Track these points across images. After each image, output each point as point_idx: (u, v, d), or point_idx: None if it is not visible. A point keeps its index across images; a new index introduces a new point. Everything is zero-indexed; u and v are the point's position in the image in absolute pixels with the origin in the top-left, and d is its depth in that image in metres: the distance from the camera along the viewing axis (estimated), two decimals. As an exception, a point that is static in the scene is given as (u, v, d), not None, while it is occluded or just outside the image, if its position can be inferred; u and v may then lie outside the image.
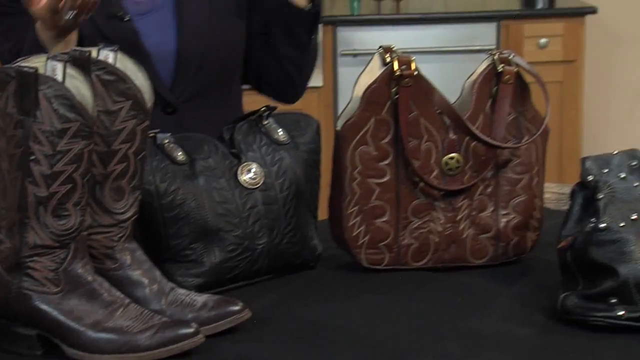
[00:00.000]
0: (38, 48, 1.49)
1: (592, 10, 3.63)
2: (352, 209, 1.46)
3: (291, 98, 1.81)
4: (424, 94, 1.46)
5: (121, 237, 1.30)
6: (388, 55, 1.45)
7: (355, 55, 3.57)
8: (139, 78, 1.29)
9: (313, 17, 1.72)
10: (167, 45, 1.70)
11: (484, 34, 3.60)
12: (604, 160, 1.34)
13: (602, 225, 1.28)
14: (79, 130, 1.21)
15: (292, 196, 1.46)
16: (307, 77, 1.80)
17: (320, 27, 3.67)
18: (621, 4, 3.95)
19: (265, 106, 1.50)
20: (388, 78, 1.44)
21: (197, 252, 1.40)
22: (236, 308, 1.28)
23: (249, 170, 1.44)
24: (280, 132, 1.48)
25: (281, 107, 1.58)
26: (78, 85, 1.22)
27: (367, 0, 3.97)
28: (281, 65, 1.76)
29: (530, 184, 1.51)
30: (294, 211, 1.46)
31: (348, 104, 1.46)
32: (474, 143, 1.48)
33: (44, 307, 1.22)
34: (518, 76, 1.49)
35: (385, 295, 1.40)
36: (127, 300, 1.24)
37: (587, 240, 1.29)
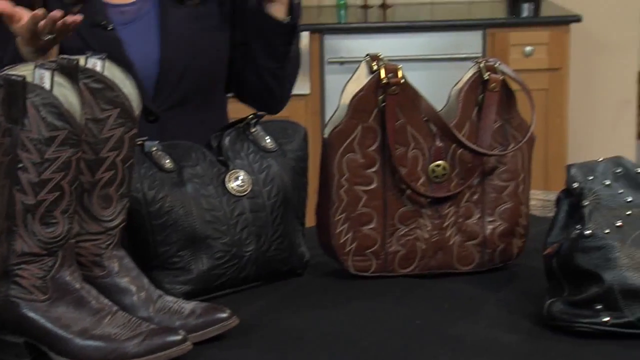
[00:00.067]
0: (19, 60, 1.50)
1: (577, 19, 3.65)
2: (340, 216, 1.46)
3: (273, 108, 1.80)
4: (411, 101, 1.47)
5: (109, 244, 1.30)
6: (375, 63, 1.45)
7: (342, 63, 3.58)
8: (126, 86, 1.30)
9: (290, 29, 1.72)
10: (150, 55, 1.70)
11: (470, 42, 3.61)
12: (589, 167, 1.35)
13: (588, 232, 1.29)
14: (67, 138, 1.21)
15: (280, 203, 1.46)
16: (288, 88, 1.80)
17: (307, 34, 3.72)
18: (605, 12, 3.98)
19: (253, 114, 1.50)
20: (375, 86, 1.45)
21: (185, 259, 1.40)
22: (224, 315, 1.29)
23: (237, 178, 1.45)
24: (268, 139, 1.48)
25: (268, 115, 1.58)
26: (66, 93, 1.22)
27: (354, 8, 3.99)
28: (261, 76, 1.76)
29: (516, 191, 1.52)
30: (282, 218, 1.47)
31: (335, 111, 1.47)
32: (460, 150, 1.49)
33: (31, 314, 1.22)
34: (504, 84, 1.50)
35: (372, 302, 1.41)
36: (115, 308, 1.24)
37: (572, 246, 1.30)
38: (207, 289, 1.42)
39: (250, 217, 1.44)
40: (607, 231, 1.29)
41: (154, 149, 1.41)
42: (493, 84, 1.48)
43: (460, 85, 1.50)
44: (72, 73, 1.24)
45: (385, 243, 1.48)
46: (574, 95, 3.81)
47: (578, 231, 1.30)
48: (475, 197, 1.50)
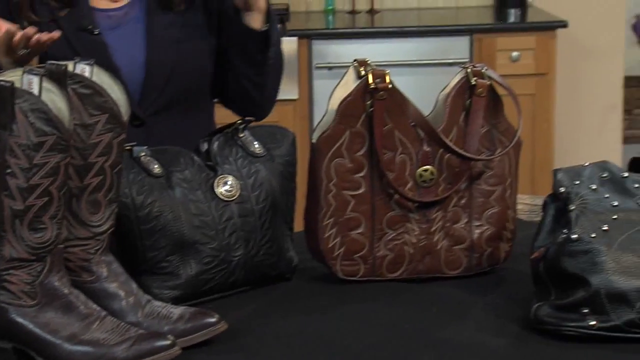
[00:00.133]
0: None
1: (563, 24, 3.67)
2: (328, 221, 1.47)
3: (254, 115, 1.78)
4: (399, 106, 1.47)
5: (98, 249, 1.30)
6: (362, 68, 1.46)
7: (330, 68, 3.58)
8: (115, 91, 1.30)
9: (264, 37, 1.71)
10: (136, 59, 1.71)
11: (457, 48, 3.62)
12: (575, 172, 1.36)
13: (574, 236, 1.29)
14: (55, 143, 1.21)
15: (268, 208, 1.47)
16: (269, 96, 1.79)
17: (295, 40, 3.72)
18: (591, 18, 4.00)
19: (241, 119, 1.50)
20: (363, 91, 1.45)
21: (173, 264, 1.40)
22: (212, 320, 1.29)
23: (225, 183, 1.45)
24: (256, 144, 1.49)
25: (256, 120, 1.59)
26: (54, 99, 1.22)
27: (342, 13, 4.00)
28: (240, 82, 1.76)
29: (504, 195, 1.52)
30: (270, 223, 1.47)
31: (323, 116, 1.48)
32: (447, 155, 1.49)
33: (20, 320, 1.22)
34: (491, 89, 1.51)
35: (360, 306, 1.41)
36: (103, 313, 1.24)
37: (559, 251, 1.30)
38: (195, 293, 1.42)
39: (238, 222, 1.44)
40: (593, 235, 1.29)
41: (143, 154, 1.41)
42: (480, 89, 1.49)
43: (447, 90, 1.51)
44: (60, 78, 1.24)
45: (373, 247, 1.48)
46: (560, 100, 3.83)
47: (565, 235, 1.30)
48: (463, 201, 1.51)
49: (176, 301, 1.37)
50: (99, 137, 1.28)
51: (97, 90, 1.27)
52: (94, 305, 1.25)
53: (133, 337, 1.21)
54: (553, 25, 3.68)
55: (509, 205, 1.53)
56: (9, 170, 1.20)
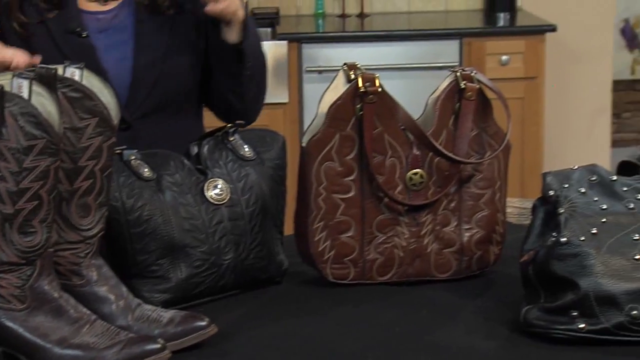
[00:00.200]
0: None
1: (552, 28, 3.68)
2: (318, 224, 1.47)
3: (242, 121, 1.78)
4: (388, 110, 1.47)
5: (88, 253, 1.30)
6: (352, 72, 1.46)
7: (320, 72, 3.59)
8: (105, 95, 1.30)
9: (239, 51, 1.69)
10: (123, 63, 1.71)
11: (447, 51, 3.63)
12: (564, 175, 1.37)
13: (563, 239, 1.30)
14: (45, 147, 1.21)
15: (258, 212, 1.47)
16: (251, 104, 1.76)
17: (286, 43, 3.73)
18: (580, 22, 4.02)
19: (237, 119, 1.51)
20: (352, 95, 1.46)
21: (163, 268, 1.40)
22: (202, 324, 1.29)
23: (215, 186, 1.45)
24: (246, 148, 1.49)
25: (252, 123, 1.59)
26: (44, 103, 1.22)
27: (332, 17, 4.00)
28: (221, 91, 1.76)
29: (493, 198, 1.53)
30: (260, 227, 1.47)
31: (313, 120, 1.48)
32: (437, 159, 1.50)
33: (9, 324, 1.22)
34: (480, 93, 1.51)
35: (351, 309, 1.41)
36: (93, 317, 1.24)
37: (548, 254, 1.31)
38: (185, 297, 1.42)
39: (228, 226, 1.44)
40: (582, 238, 1.30)
41: (133, 157, 1.41)
42: (469, 93, 1.50)
43: (437, 93, 1.51)
44: (50, 82, 1.24)
45: (363, 251, 1.49)
46: (549, 104, 3.84)
47: (554, 238, 1.31)
48: (453, 204, 1.51)
49: (166, 305, 1.37)
50: (89, 140, 1.28)
51: (87, 94, 1.27)
52: (84, 309, 1.25)
53: (123, 340, 1.21)
54: (542, 29, 3.70)
55: (498, 209, 1.53)
56: (-2, 174, 1.20)
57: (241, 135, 1.50)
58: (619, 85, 4.99)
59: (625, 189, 1.34)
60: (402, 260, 1.50)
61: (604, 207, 1.33)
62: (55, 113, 1.22)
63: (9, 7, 1.68)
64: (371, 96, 1.45)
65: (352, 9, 4.01)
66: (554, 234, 1.31)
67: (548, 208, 1.36)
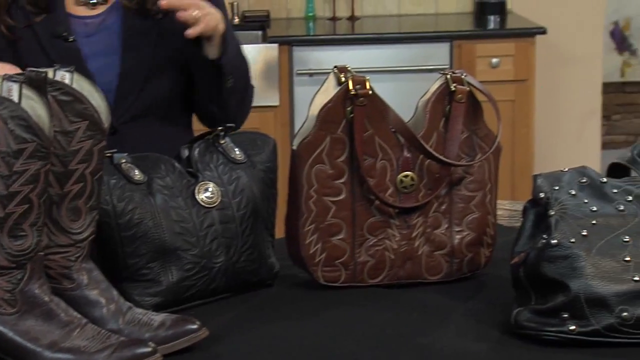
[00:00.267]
0: None
1: (542, 31, 3.70)
2: (309, 227, 1.47)
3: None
4: (379, 112, 1.48)
5: (78, 257, 1.30)
6: (343, 74, 1.47)
7: (311, 74, 3.59)
8: (95, 98, 1.30)
9: (218, 66, 1.68)
10: (110, 67, 1.70)
11: (437, 54, 3.64)
12: (554, 177, 1.37)
13: (554, 241, 1.30)
14: (36, 150, 1.21)
15: (249, 215, 1.47)
16: (234, 114, 1.74)
17: (276, 46, 3.73)
18: (570, 24, 4.03)
19: (222, 125, 1.50)
20: (343, 97, 1.46)
21: (154, 271, 1.40)
22: (193, 327, 1.29)
23: (206, 189, 1.45)
24: (237, 151, 1.49)
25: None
26: (34, 106, 1.22)
27: (323, 20, 4.01)
28: (203, 101, 1.75)
29: (484, 201, 1.53)
30: (251, 230, 1.47)
31: (304, 123, 1.48)
32: (428, 161, 1.50)
33: (0, 328, 1.21)
34: (470, 95, 1.52)
35: (342, 312, 1.41)
36: (84, 320, 1.24)
37: (539, 256, 1.31)
38: (176, 300, 1.42)
39: (219, 229, 1.44)
40: (572, 240, 1.30)
41: (123, 160, 1.41)
42: (460, 95, 1.50)
43: (427, 96, 1.51)
44: (40, 86, 1.23)
45: (354, 253, 1.49)
46: (539, 106, 3.85)
47: (544, 240, 1.31)
48: (443, 207, 1.52)
49: (157, 308, 1.37)
50: (79, 144, 1.28)
51: (77, 97, 1.27)
52: (75, 313, 1.24)
53: (114, 344, 1.21)
54: (532, 32, 3.71)
55: (489, 211, 1.54)
56: (-12, 178, 1.19)
57: (232, 138, 1.50)
58: (608, 88, 5.01)
59: (615, 190, 1.35)
60: (393, 263, 1.50)
61: (594, 209, 1.33)
62: (46, 116, 1.22)
63: None
64: (362, 99, 1.45)
65: (342, 11, 4.02)
66: (544, 236, 1.32)
67: (538, 210, 1.36)
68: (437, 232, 1.51)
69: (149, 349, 1.21)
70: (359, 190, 1.48)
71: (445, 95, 1.51)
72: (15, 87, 1.21)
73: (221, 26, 1.66)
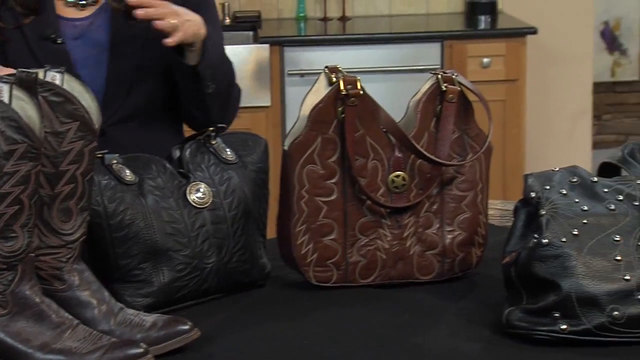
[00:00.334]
0: None
1: (533, 31, 3.70)
2: (300, 227, 1.47)
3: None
4: (370, 113, 1.48)
5: (69, 258, 1.29)
6: (334, 75, 1.47)
7: (302, 75, 3.59)
8: (86, 99, 1.29)
9: (196, 73, 1.67)
10: (98, 69, 1.70)
11: (428, 54, 3.65)
12: (545, 177, 1.37)
13: (545, 240, 1.30)
14: (26, 151, 1.20)
15: (241, 215, 1.47)
16: (218, 118, 1.71)
17: (267, 47, 3.72)
18: (560, 24, 4.04)
19: (213, 126, 1.50)
20: (334, 97, 1.46)
21: (146, 272, 1.40)
22: (185, 327, 1.28)
23: (198, 190, 1.45)
24: (229, 151, 1.49)
25: (229, 127, 1.59)
26: (25, 107, 1.21)
27: (314, 21, 4.01)
28: (185, 106, 1.74)
29: (475, 200, 1.53)
30: (243, 230, 1.47)
31: (295, 123, 1.48)
32: (419, 161, 1.50)
33: (-9, 329, 1.21)
34: (461, 95, 1.52)
35: (334, 312, 1.41)
36: (75, 322, 1.24)
37: (530, 255, 1.31)
38: (168, 301, 1.41)
39: (211, 229, 1.44)
40: (563, 240, 1.30)
41: (114, 161, 1.41)
42: (451, 95, 1.50)
43: (418, 96, 1.51)
44: (31, 86, 1.23)
45: (346, 254, 1.49)
46: (530, 106, 3.86)
47: (535, 240, 1.31)
48: (435, 207, 1.52)
49: (149, 309, 1.37)
50: (70, 144, 1.28)
51: (68, 98, 1.27)
52: (66, 314, 1.24)
53: (105, 345, 1.21)
54: (523, 32, 3.71)
55: (480, 211, 1.54)
56: (-21, 179, 1.19)
57: (223, 138, 1.50)
58: (599, 87, 5.02)
59: (606, 190, 1.35)
60: (384, 263, 1.50)
61: (585, 209, 1.33)
62: (36, 117, 1.22)
63: None
64: (353, 99, 1.46)
65: (333, 12, 4.02)
66: (535, 235, 1.32)
67: (529, 210, 1.36)
68: (428, 232, 1.52)
69: (140, 350, 1.21)
70: (350, 191, 1.48)
71: (437, 95, 1.51)
72: (5, 87, 1.20)
73: (202, 32, 1.65)
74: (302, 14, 4.02)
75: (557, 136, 4.12)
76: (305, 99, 1.47)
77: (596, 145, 4.56)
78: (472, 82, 1.54)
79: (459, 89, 1.51)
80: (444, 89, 1.50)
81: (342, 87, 1.45)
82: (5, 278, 1.22)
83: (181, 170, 1.46)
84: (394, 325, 1.36)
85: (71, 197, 1.29)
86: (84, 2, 1.72)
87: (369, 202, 1.49)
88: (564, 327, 1.28)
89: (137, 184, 1.41)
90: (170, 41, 1.61)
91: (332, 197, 1.47)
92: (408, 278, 1.52)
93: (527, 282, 1.32)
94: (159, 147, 1.51)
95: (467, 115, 1.53)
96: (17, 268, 1.22)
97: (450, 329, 1.35)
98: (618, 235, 1.31)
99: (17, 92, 1.21)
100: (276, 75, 3.61)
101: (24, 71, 1.24)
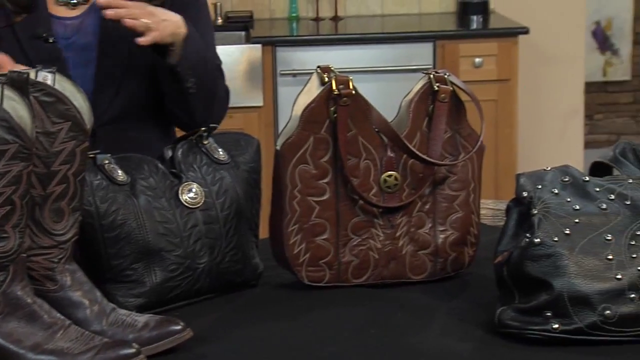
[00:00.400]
0: None
1: (525, 31, 3.71)
2: (293, 227, 1.47)
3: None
4: (362, 112, 1.48)
5: (61, 258, 1.29)
6: (326, 74, 1.47)
7: (294, 75, 3.59)
8: (77, 99, 1.29)
9: (173, 72, 1.66)
10: (87, 69, 1.69)
11: (421, 54, 3.65)
12: (537, 176, 1.37)
13: (537, 240, 1.31)
14: (18, 152, 1.20)
15: (233, 215, 1.47)
16: (202, 118, 1.71)
17: (260, 47, 3.72)
18: (552, 24, 4.05)
19: (205, 126, 1.50)
20: (326, 97, 1.46)
21: (138, 272, 1.40)
22: (177, 328, 1.28)
23: (190, 190, 1.45)
24: (221, 151, 1.49)
25: (221, 127, 1.59)
26: (16, 107, 1.21)
27: (306, 21, 4.01)
28: (168, 106, 1.74)
29: (467, 200, 1.53)
30: (235, 230, 1.47)
31: (287, 123, 1.48)
32: (411, 161, 1.50)
33: (-18, 330, 1.21)
34: (453, 95, 1.52)
35: (326, 312, 1.41)
36: (67, 322, 1.24)
37: (522, 255, 1.31)
38: (160, 301, 1.41)
39: (203, 229, 1.44)
40: (555, 239, 1.31)
41: (106, 161, 1.40)
42: (443, 95, 1.50)
43: (410, 96, 1.52)
44: (22, 87, 1.23)
45: (338, 253, 1.49)
46: (522, 106, 3.86)
47: (527, 239, 1.31)
48: (427, 206, 1.52)
49: (141, 309, 1.37)
50: (61, 145, 1.27)
51: (59, 98, 1.27)
52: (58, 315, 1.24)
53: (97, 345, 1.21)
54: (515, 32, 3.72)
55: (472, 210, 1.54)
56: (-30, 179, 1.19)
57: (215, 138, 1.49)
58: (591, 87, 5.03)
59: (597, 189, 1.36)
60: (377, 263, 1.50)
61: (576, 208, 1.34)
62: (28, 117, 1.22)
63: None
64: (345, 99, 1.46)
65: (325, 12, 4.02)
66: (527, 235, 1.32)
67: (522, 209, 1.37)
68: (421, 231, 1.52)
69: (132, 350, 1.21)
70: (342, 190, 1.48)
71: (429, 94, 1.51)
72: (-4, 88, 1.20)
73: (181, 31, 1.65)
74: (294, 14, 4.02)
75: (549, 136, 4.13)
76: (297, 99, 1.47)
77: (588, 144, 4.57)
78: (464, 81, 1.54)
79: (451, 88, 1.51)
80: (436, 88, 1.50)
81: (334, 87, 1.45)
82: (-4, 278, 1.22)
83: (173, 170, 1.46)
84: (386, 325, 1.36)
85: (63, 197, 1.28)
86: (74, 1, 1.72)
87: (361, 202, 1.49)
88: (556, 326, 1.28)
89: (129, 184, 1.41)
90: (142, 40, 1.61)
91: (325, 197, 1.47)
92: (400, 278, 1.52)
93: (519, 281, 1.32)
94: (150, 148, 1.51)
95: (460, 115, 1.53)
96: (8, 269, 1.22)
97: (443, 329, 1.35)
98: (610, 234, 1.32)
99: (8, 92, 1.21)
100: (268, 75, 3.61)
101: (15, 71, 1.24)
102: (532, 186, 1.36)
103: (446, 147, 1.52)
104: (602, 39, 5.27)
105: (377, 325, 1.36)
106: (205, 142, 1.48)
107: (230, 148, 1.50)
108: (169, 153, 1.47)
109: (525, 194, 1.36)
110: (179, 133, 1.69)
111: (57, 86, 1.27)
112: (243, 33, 3.86)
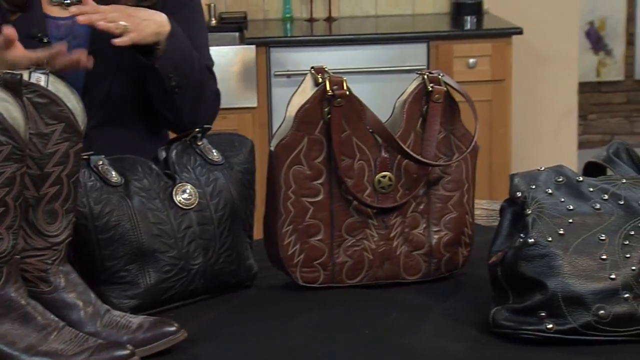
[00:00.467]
0: None
1: (518, 31, 3.71)
2: (287, 228, 1.47)
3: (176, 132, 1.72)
4: (356, 113, 1.48)
5: (55, 260, 1.29)
6: (320, 75, 1.47)
7: (289, 75, 3.59)
8: (71, 100, 1.29)
9: (154, 70, 1.66)
10: (77, 71, 1.69)
11: (414, 54, 3.65)
12: (531, 176, 1.38)
13: (531, 240, 1.31)
14: (11, 153, 1.20)
15: (227, 216, 1.46)
16: (190, 118, 1.71)
17: (254, 48, 3.72)
18: (545, 25, 4.05)
19: (199, 127, 1.50)
20: (320, 98, 1.46)
21: (132, 273, 1.40)
22: (172, 329, 1.28)
23: (184, 191, 1.45)
24: (215, 152, 1.48)
25: (215, 128, 1.58)
26: (9, 108, 1.21)
27: (300, 21, 4.01)
28: (155, 106, 1.73)
29: (461, 200, 1.54)
30: (229, 231, 1.47)
31: (281, 124, 1.48)
32: (405, 161, 1.50)
33: (-24, 332, 1.20)
34: (447, 95, 1.52)
35: (321, 313, 1.41)
36: (61, 324, 1.23)
37: (516, 255, 1.32)
38: (155, 302, 1.41)
39: (197, 230, 1.44)
40: (549, 239, 1.31)
41: (100, 162, 1.40)
42: (437, 95, 1.50)
43: (404, 96, 1.52)
44: (15, 88, 1.23)
45: (332, 254, 1.49)
46: (516, 106, 3.87)
47: (521, 239, 1.32)
48: (421, 207, 1.52)
49: (135, 310, 1.37)
50: (55, 146, 1.27)
51: (53, 100, 1.27)
52: (52, 316, 1.24)
53: (92, 347, 1.21)
54: (508, 32, 3.72)
55: (467, 211, 1.54)
56: (-37, 181, 1.19)
57: (209, 139, 1.49)
58: (584, 87, 5.04)
59: (591, 189, 1.36)
60: (371, 263, 1.50)
61: (570, 208, 1.34)
62: (21, 119, 1.21)
63: None
64: (339, 99, 1.46)
65: (319, 13, 4.02)
66: (521, 235, 1.32)
67: (516, 209, 1.37)
68: (415, 232, 1.52)
69: (126, 352, 1.21)
70: (337, 191, 1.48)
71: (423, 95, 1.51)
72: (-10, 89, 1.20)
73: (164, 30, 1.65)
74: (288, 15, 4.02)
75: (543, 136, 4.14)
76: (291, 100, 1.47)
77: (582, 145, 4.58)
78: (458, 82, 1.54)
79: (445, 89, 1.51)
80: (430, 89, 1.50)
81: (328, 87, 1.45)
82: (-10, 280, 1.21)
83: (167, 171, 1.46)
84: (380, 325, 1.37)
85: (56, 198, 1.28)
86: (68, 1, 1.72)
87: (355, 202, 1.49)
88: (550, 326, 1.29)
89: (123, 186, 1.41)
90: (118, 41, 1.61)
91: (319, 198, 1.47)
92: (395, 278, 1.52)
93: (514, 281, 1.32)
94: (141, 149, 1.51)
95: (454, 115, 1.53)
96: (2, 270, 1.22)
97: (437, 329, 1.35)
98: (603, 234, 1.32)
99: (1, 94, 1.21)
100: (262, 76, 3.61)
101: (8, 72, 1.23)
102: (526, 186, 1.36)
103: (440, 148, 1.52)
104: (595, 39, 5.28)
105: (371, 326, 1.36)
106: (200, 143, 1.48)
107: (225, 149, 1.50)
108: (163, 154, 1.47)
109: (519, 194, 1.36)
110: (172, 134, 1.69)
111: (50, 87, 1.27)
112: (237, 34, 3.86)
